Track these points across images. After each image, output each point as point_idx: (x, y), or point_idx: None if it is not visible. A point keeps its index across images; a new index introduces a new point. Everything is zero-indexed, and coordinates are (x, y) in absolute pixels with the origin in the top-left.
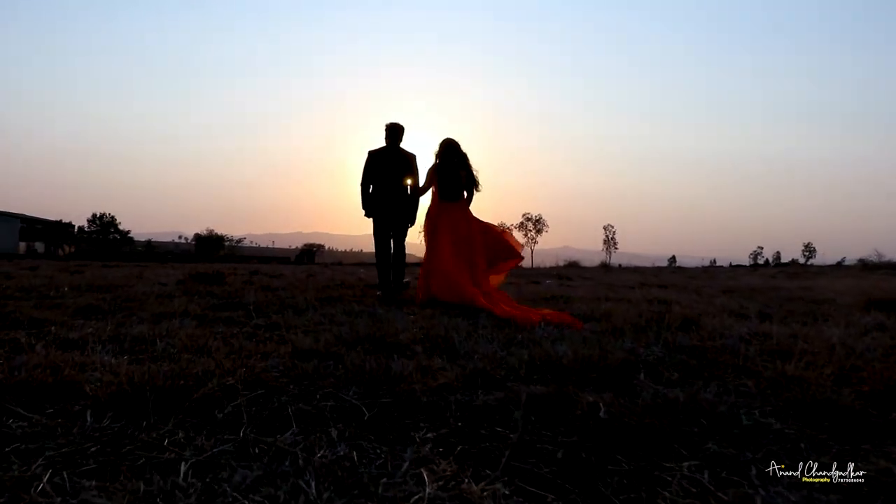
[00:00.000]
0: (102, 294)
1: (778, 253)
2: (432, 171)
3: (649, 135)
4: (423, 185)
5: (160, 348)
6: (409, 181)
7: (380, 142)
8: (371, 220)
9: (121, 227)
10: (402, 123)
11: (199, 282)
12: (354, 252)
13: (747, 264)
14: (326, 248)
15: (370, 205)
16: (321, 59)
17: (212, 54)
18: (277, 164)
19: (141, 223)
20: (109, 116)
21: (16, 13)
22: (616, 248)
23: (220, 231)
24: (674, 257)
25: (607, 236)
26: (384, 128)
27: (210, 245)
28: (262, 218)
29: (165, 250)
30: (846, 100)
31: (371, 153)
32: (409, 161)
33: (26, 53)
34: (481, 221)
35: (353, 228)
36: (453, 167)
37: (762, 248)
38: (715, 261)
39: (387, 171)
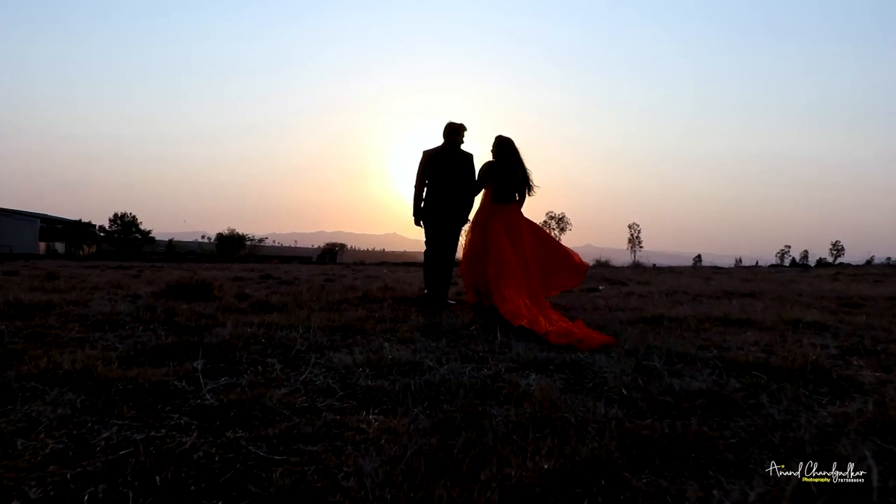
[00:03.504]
0: (15, 322)
1: (806, 252)
2: (486, 170)
3: (669, 134)
4: (478, 185)
5: None
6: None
7: (398, 145)
8: (423, 224)
9: (142, 227)
10: (462, 123)
11: (174, 297)
12: (377, 252)
13: (777, 263)
14: (349, 247)
15: (424, 209)
16: (347, 59)
17: (238, 55)
18: (302, 164)
19: (166, 223)
20: (140, 118)
21: (40, 11)
22: (641, 247)
23: (241, 230)
24: (699, 256)
25: (632, 234)
26: (444, 127)
27: (231, 245)
28: (285, 217)
29: (188, 250)
30: (864, 98)
31: (427, 153)
32: (468, 161)
33: (52, 54)
34: (538, 227)
35: (376, 228)
36: (510, 167)
37: (790, 247)
38: (741, 259)
39: (445, 172)
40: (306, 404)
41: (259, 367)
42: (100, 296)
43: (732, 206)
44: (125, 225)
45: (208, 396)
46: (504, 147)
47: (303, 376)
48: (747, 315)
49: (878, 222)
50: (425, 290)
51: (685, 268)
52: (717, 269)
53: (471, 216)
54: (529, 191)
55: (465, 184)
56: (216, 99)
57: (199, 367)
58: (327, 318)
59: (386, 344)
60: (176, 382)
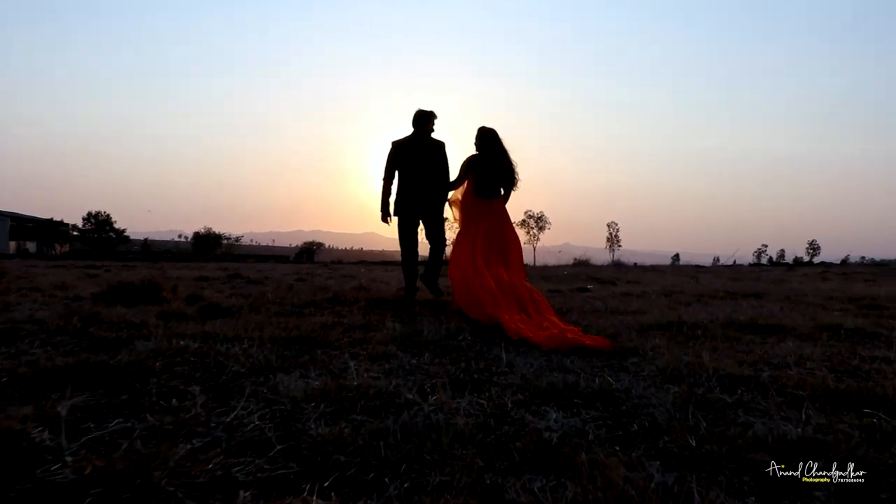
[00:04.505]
0: None
1: (783, 251)
2: (469, 164)
3: (656, 134)
4: (457, 178)
5: None
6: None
7: (380, 142)
8: (395, 218)
9: (116, 226)
10: (432, 110)
11: (114, 300)
12: (355, 250)
13: (755, 262)
14: (327, 246)
15: (395, 203)
16: (332, 58)
17: (220, 52)
18: (281, 162)
19: (143, 222)
20: (117, 115)
21: (21, 10)
22: (620, 246)
23: (218, 230)
24: (678, 255)
25: (611, 233)
26: (413, 115)
27: (207, 244)
28: (263, 216)
29: (164, 249)
30: (838, 99)
31: (395, 143)
32: (439, 150)
33: (29, 50)
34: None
35: (354, 227)
36: (495, 159)
37: (766, 246)
38: (718, 258)
39: (414, 162)
40: (219, 472)
41: (174, 399)
42: (32, 298)
43: (708, 206)
44: (99, 223)
45: (69, 461)
46: (488, 138)
47: (230, 416)
48: (777, 320)
49: (850, 222)
50: (404, 290)
51: (666, 266)
52: (699, 268)
53: (449, 210)
54: (514, 185)
55: (437, 174)
56: (197, 97)
57: (64, 411)
58: (284, 326)
59: (352, 363)
60: (35, 433)
